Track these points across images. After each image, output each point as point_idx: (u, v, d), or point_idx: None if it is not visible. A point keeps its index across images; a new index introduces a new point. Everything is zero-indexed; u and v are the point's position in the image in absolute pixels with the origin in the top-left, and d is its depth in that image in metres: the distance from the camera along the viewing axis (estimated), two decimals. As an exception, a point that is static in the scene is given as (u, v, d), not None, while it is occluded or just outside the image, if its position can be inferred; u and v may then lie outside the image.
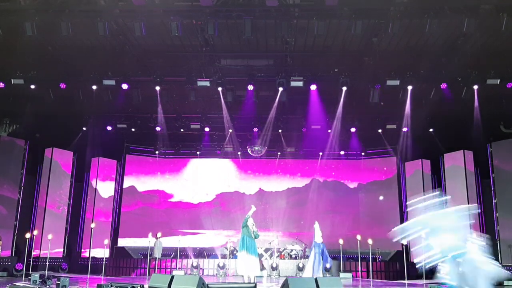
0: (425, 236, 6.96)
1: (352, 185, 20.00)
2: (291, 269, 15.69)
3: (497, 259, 14.17)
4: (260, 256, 15.26)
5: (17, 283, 10.69)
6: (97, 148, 18.05)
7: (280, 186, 20.14)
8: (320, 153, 19.26)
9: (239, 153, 19.64)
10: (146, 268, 15.57)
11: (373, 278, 14.73)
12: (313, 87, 13.44)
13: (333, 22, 11.03)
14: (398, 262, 15.88)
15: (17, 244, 15.18)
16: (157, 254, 16.36)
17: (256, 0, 10.33)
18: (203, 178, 20.21)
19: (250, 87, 13.59)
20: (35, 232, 14.65)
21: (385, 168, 19.46)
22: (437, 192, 7.08)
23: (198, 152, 19.73)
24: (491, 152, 15.12)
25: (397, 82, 13.07)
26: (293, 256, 16.69)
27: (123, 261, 16.54)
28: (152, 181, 20.07)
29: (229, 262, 15.72)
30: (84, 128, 16.94)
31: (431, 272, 15.47)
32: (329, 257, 12.10)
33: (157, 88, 13.64)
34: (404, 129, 16.15)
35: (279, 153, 19.58)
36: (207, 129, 17.24)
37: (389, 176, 19.31)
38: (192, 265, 15.84)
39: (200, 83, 13.42)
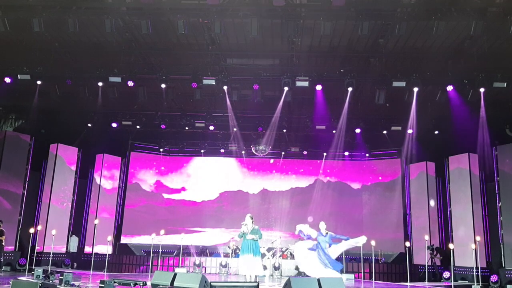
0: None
1: (356, 186, 19.96)
2: (293, 269, 15.69)
3: (500, 263, 14.19)
4: (263, 255, 15.28)
5: (20, 278, 10.76)
6: (102, 145, 18.09)
7: (283, 186, 20.13)
8: (324, 154, 19.24)
9: (243, 152, 19.63)
10: (149, 265, 15.61)
11: (375, 279, 14.71)
12: (319, 87, 13.40)
13: (340, 23, 11.01)
14: (401, 264, 15.85)
15: (20, 239, 15.23)
16: (72, 248, 16.75)
17: (263, -1, 10.35)
18: (207, 176, 20.22)
19: (256, 87, 13.60)
20: (39, 228, 14.71)
21: (389, 170, 19.41)
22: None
23: (202, 151, 19.75)
24: (496, 155, 15.03)
25: (403, 84, 13.00)
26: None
27: (125, 258, 16.59)
28: (156, 178, 20.13)
29: (231, 260, 15.74)
30: (89, 125, 16.99)
31: (434, 275, 15.53)
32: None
33: (163, 85, 13.65)
34: (409, 131, 16.09)
35: (283, 152, 19.57)
36: (211, 128, 17.24)
37: (393, 178, 19.25)
38: (194, 263, 15.88)
39: (205, 82, 13.43)
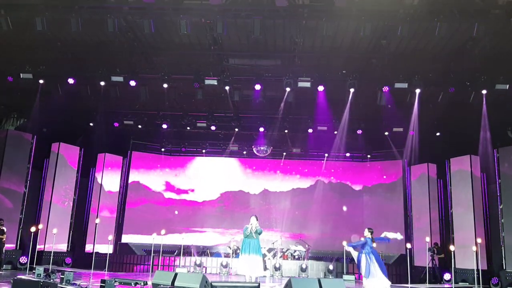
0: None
1: (357, 187, 19.97)
2: (294, 270, 15.70)
3: (501, 265, 14.16)
4: (263, 256, 15.27)
5: (21, 276, 10.76)
6: (104, 144, 18.09)
7: (284, 187, 20.14)
8: (326, 154, 19.26)
9: (244, 152, 19.66)
10: (149, 265, 15.62)
11: (376, 281, 14.66)
12: (321, 88, 13.41)
13: (342, 24, 11.00)
14: (402, 266, 15.83)
15: (22, 238, 15.25)
16: None
17: (265, 0, 10.34)
18: (208, 176, 20.25)
19: (258, 87, 13.59)
20: (40, 226, 14.72)
21: (390, 171, 19.40)
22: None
23: (203, 151, 19.79)
24: (498, 157, 15.00)
25: (405, 85, 13.00)
26: (296, 256, 16.71)
27: (126, 257, 16.60)
28: (157, 178, 20.15)
29: (232, 261, 15.74)
30: (91, 124, 16.99)
31: (435, 277, 15.50)
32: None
33: (165, 85, 13.66)
34: (411, 133, 16.08)
35: (284, 153, 19.59)
36: (213, 128, 17.24)
37: (395, 179, 19.25)
38: (195, 263, 15.89)
39: (207, 82, 13.44)
